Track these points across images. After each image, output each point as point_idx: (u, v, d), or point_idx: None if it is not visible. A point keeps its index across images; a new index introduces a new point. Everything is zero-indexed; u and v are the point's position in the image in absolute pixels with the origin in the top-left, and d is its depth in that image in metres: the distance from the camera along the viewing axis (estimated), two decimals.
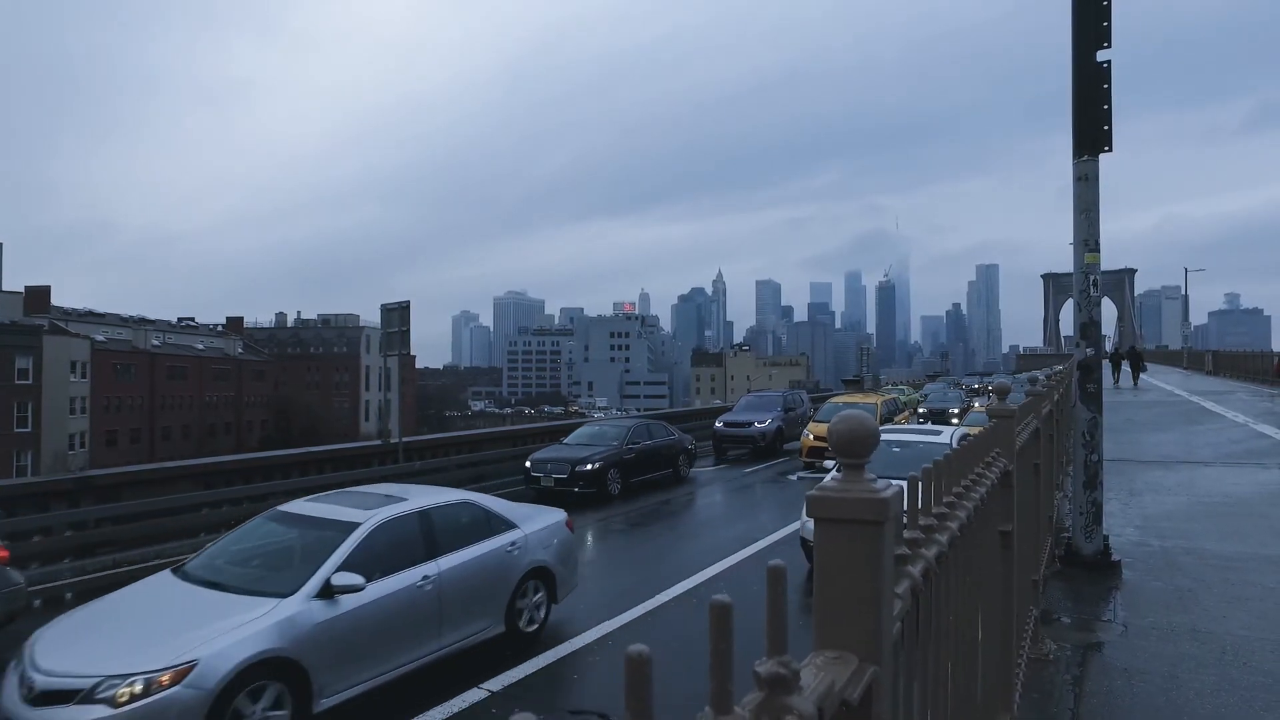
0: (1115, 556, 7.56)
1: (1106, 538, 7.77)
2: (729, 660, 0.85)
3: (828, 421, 19.65)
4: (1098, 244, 7.77)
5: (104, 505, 10.93)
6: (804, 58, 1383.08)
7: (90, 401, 61.86)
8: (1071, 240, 7.99)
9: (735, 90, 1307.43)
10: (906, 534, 1.75)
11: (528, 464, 16.11)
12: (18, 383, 53.89)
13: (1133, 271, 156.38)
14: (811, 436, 19.19)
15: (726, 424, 22.59)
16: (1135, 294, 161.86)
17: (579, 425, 19.48)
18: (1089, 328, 7.98)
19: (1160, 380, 39.85)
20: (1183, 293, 58.85)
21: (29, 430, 54.59)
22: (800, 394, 28.64)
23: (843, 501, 1.25)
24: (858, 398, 23.40)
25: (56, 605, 9.35)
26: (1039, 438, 5.95)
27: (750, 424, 22.06)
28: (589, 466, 15.46)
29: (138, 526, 10.99)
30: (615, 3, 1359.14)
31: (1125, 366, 39.70)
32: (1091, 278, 7.79)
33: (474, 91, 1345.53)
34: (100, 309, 73.30)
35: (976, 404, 30.35)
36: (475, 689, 6.39)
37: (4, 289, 60.15)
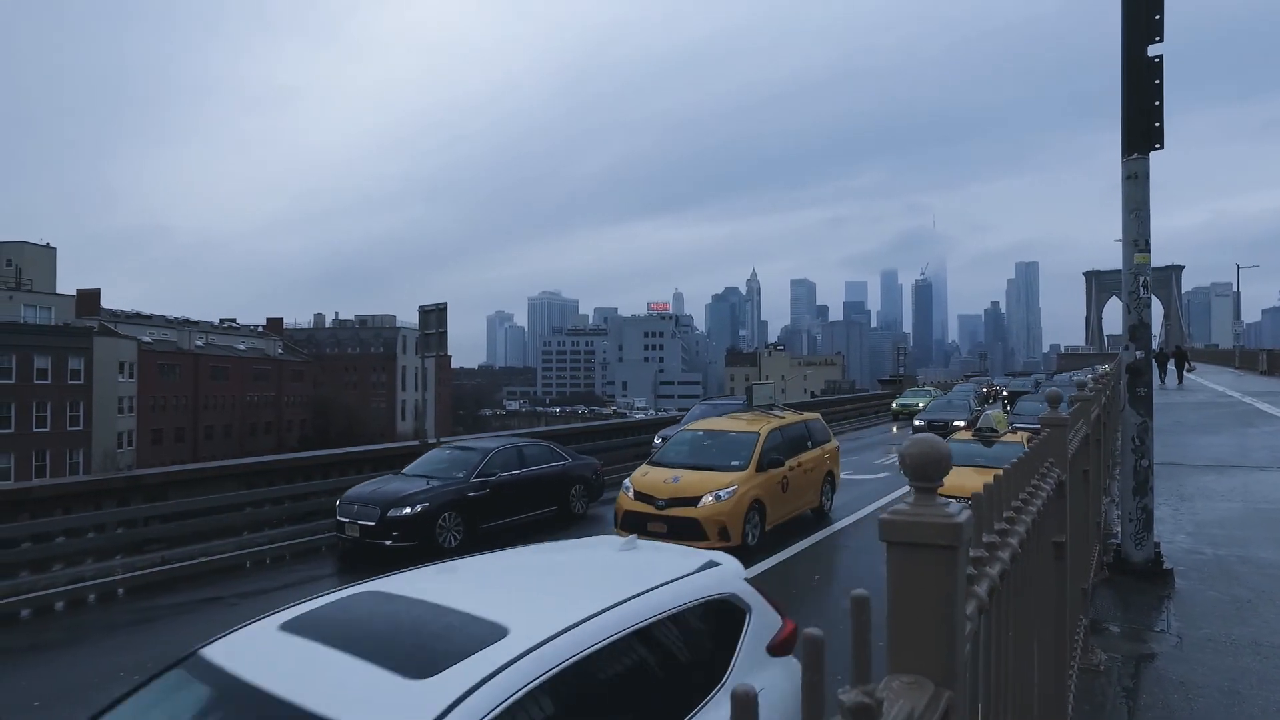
0: (1167, 564, 7.37)
1: (1158, 545, 7.57)
2: (821, 691, 0.85)
3: (664, 466, 11.94)
4: (1148, 244, 7.58)
5: (153, 504, 11.24)
6: (850, 57, 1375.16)
7: (137, 401, 63.59)
8: (1117, 238, 7.81)
9: (780, 90, 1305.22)
10: (971, 552, 1.72)
11: (338, 503, 12.02)
12: (70, 383, 55.58)
13: (1180, 268, 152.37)
14: (632, 492, 11.51)
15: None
16: (1182, 291, 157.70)
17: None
18: (1139, 329, 7.79)
19: (1210, 380, 38.73)
20: (1234, 290, 57.12)
21: (80, 429, 56.26)
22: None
23: (916, 526, 1.23)
24: (741, 423, 13.24)
25: (110, 599, 9.65)
26: (1088, 443, 5.83)
27: None
28: (406, 510, 11.28)
29: (185, 524, 11.27)
30: (661, 5, 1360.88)
31: (1170, 366, 38.78)
32: (1141, 279, 7.60)
33: (519, 95, 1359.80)
34: (148, 310, 75.30)
35: (1004, 402, 27.76)
36: None
37: (57, 292, 62.08)
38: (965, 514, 1.27)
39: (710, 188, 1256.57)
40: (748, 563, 8.74)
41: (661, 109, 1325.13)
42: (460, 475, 12.40)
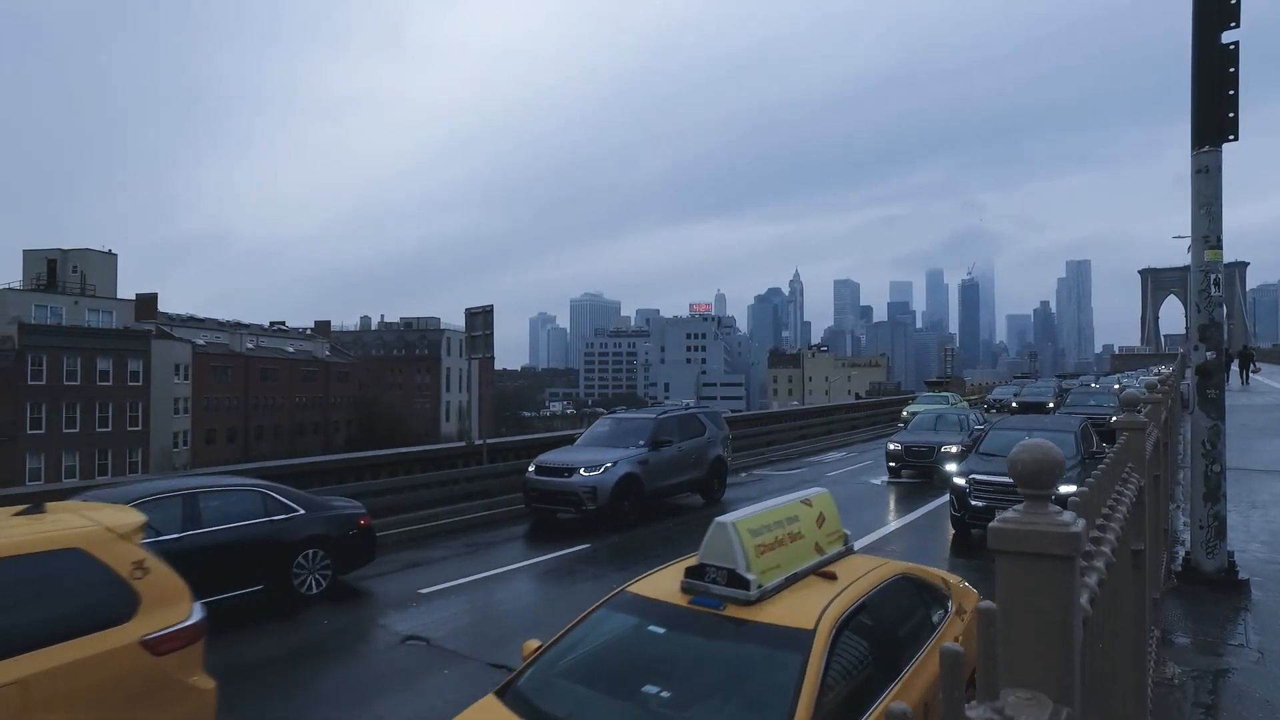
0: (1242, 575, 7.06)
1: (1231, 554, 7.27)
2: (961, 705, 0.81)
3: None
4: (1220, 240, 7.28)
5: None
6: (911, 59, 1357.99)
7: (191, 402, 65.58)
8: (1178, 235, 7.57)
9: (840, 93, 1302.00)
10: None
11: None
12: (129, 384, 57.61)
13: (1244, 265, 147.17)
14: None
15: (540, 469, 13.96)
16: (1247, 289, 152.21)
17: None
18: (1209, 329, 7.49)
19: (1278, 381, 37.20)
20: None
21: (139, 429, 58.26)
22: (704, 417, 16.38)
23: (1031, 535, 1.17)
24: None
25: None
26: (1158, 448, 5.61)
27: (574, 470, 13.44)
28: None
29: None
30: (722, 8, 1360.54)
31: (1234, 366, 37.44)
32: (1213, 276, 7.30)
33: (576, 100, 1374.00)
34: (202, 314, 77.65)
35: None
36: None
37: (118, 296, 64.30)
38: (1080, 522, 1.20)
39: (764, 190, 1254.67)
40: None
41: (724, 113, 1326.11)
42: None
